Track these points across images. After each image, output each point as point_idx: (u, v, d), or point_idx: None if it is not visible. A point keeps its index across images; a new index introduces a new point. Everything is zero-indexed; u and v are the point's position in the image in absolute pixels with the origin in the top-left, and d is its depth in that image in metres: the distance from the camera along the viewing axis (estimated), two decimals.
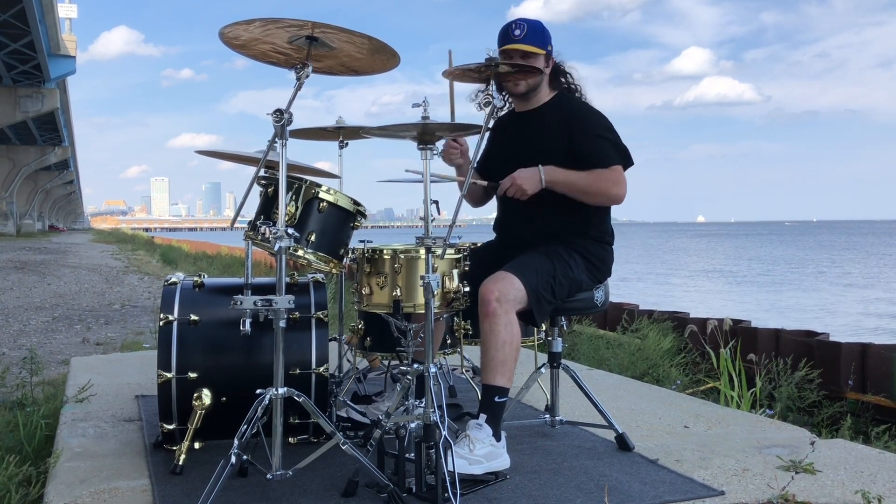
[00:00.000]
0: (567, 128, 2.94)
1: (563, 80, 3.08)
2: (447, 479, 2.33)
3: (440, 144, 2.60)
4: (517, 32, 2.96)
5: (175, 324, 2.83)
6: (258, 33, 2.47)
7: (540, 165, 2.87)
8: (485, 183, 2.99)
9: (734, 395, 4.64)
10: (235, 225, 2.68)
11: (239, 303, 2.43)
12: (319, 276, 3.09)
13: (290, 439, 2.93)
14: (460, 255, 2.76)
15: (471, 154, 2.78)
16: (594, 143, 2.91)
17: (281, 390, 2.41)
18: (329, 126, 3.56)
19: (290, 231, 2.43)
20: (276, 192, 2.53)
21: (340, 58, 2.64)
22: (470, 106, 3.01)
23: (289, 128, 2.41)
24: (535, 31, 2.98)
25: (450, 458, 2.36)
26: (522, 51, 2.95)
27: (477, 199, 3.25)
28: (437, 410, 2.44)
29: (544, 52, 2.99)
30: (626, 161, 2.94)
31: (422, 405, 2.50)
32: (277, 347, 2.40)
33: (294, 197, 2.62)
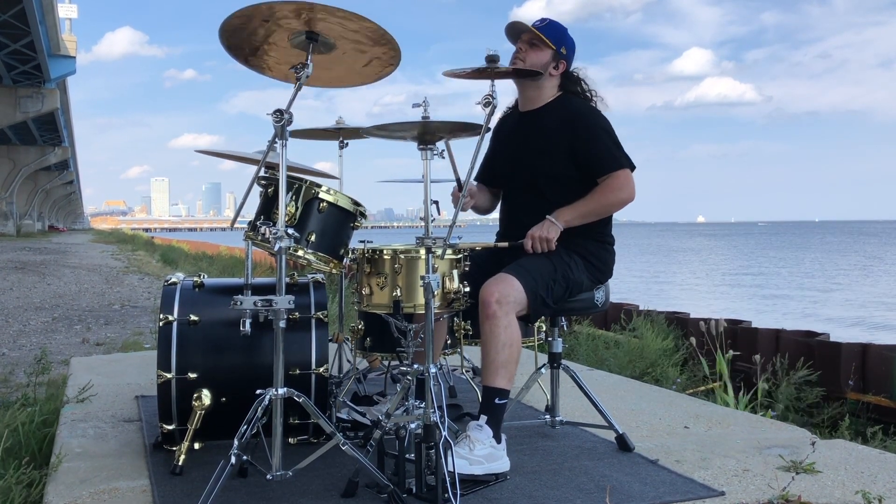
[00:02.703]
0: (569, 129, 2.93)
1: (578, 88, 3.07)
2: (447, 479, 2.33)
3: (440, 145, 2.60)
4: (537, 23, 3.01)
5: (175, 324, 2.83)
6: (259, 37, 2.47)
7: (547, 215, 2.88)
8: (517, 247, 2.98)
9: (730, 400, 4.64)
10: (235, 225, 2.68)
11: (239, 303, 2.43)
12: (319, 277, 3.09)
13: (290, 440, 2.93)
14: (460, 256, 2.76)
15: (470, 155, 2.78)
16: (599, 146, 2.91)
17: (281, 391, 2.40)
18: (329, 128, 3.57)
19: (290, 231, 2.43)
20: (276, 192, 2.53)
21: (345, 61, 2.64)
22: (469, 106, 3.01)
23: (289, 128, 2.41)
24: (554, 27, 3.01)
25: (450, 459, 2.36)
26: (532, 34, 2.97)
27: (485, 208, 3.25)
28: (437, 411, 2.43)
29: (553, 48, 2.98)
30: (631, 163, 2.94)
31: (422, 406, 2.50)
32: (277, 348, 2.40)
33: (294, 197, 2.62)
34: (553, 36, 2.98)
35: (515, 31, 3.03)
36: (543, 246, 2.85)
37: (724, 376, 4.94)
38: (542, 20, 3.02)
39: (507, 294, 2.68)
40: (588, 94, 3.07)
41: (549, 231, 2.85)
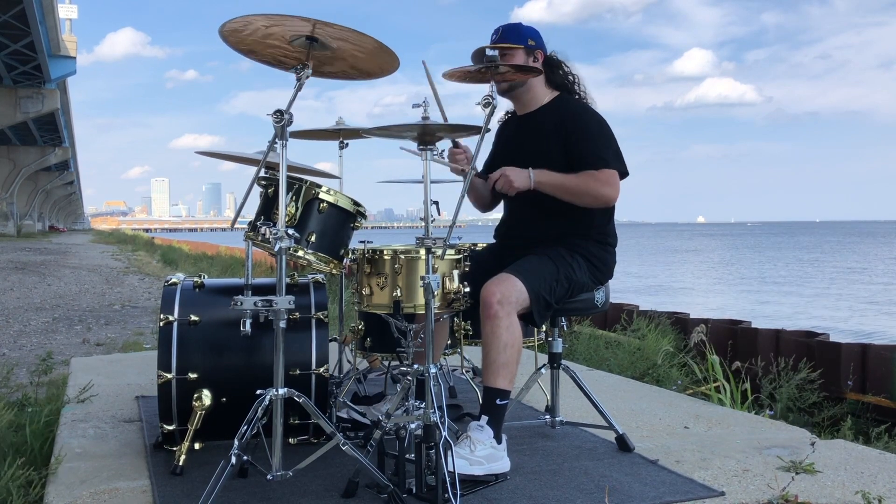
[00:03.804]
0: (563, 129, 2.94)
1: (560, 72, 3.07)
2: (447, 479, 2.33)
3: (440, 145, 2.60)
4: (493, 37, 3.03)
5: (175, 324, 2.83)
6: (259, 36, 2.47)
7: (531, 167, 2.87)
8: (484, 179, 2.99)
9: (726, 400, 4.64)
10: (236, 225, 2.68)
11: (239, 303, 2.43)
12: (319, 277, 3.09)
13: (291, 440, 2.93)
14: (460, 256, 2.76)
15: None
16: (588, 144, 2.91)
17: (281, 391, 2.41)
18: (329, 128, 3.57)
19: (291, 231, 2.43)
20: (276, 192, 2.53)
21: (346, 59, 2.64)
22: (469, 107, 3.02)
23: (289, 129, 2.41)
24: (509, 31, 3.03)
25: (450, 459, 2.36)
26: (496, 51, 2.97)
27: (485, 203, 3.25)
28: (437, 411, 2.44)
29: (521, 46, 3.00)
30: (621, 165, 2.91)
31: (422, 406, 2.50)
32: (277, 348, 2.40)
33: (294, 197, 2.62)
34: (513, 37, 3.00)
35: (481, 56, 3.01)
36: (503, 185, 2.83)
37: (719, 378, 4.94)
38: (496, 31, 3.04)
39: (508, 294, 2.68)
40: (570, 78, 3.07)
41: (518, 178, 2.83)
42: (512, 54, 2.99)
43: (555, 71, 3.07)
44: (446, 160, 2.81)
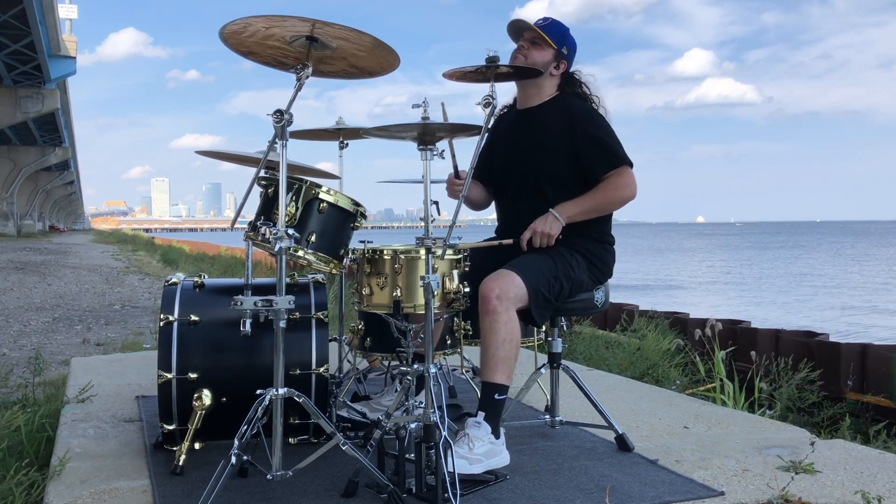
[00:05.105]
0: (569, 128, 2.93)
1: (578, 90, 3.07)
2: (447, 479, 2.34)
3: (440, 145, 2.61)
4: (540, 21, 3.03)
5: (175, 324, 2.83)
6: (259, 37, 2.48)
7: (550, 209, 2.88)
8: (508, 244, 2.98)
9: (728, 400, 4.65)
10: (236, 225, 2.68)
11: (239, 303, 2.43)
12: (319, 277, 3.09)
13: (291, 440, 2.93)
14: (460, 256, 2.76)
15: (470, 156, 2.79)
16: (602, 143, 2.92)
17: (281, 391, 2.41)
18: (329, 128, 3.57)
19: (291, 231, 2.43)
20: (276, 192, 2.53)
21: (347, 58, 2.65)
22: (469, 107, 3.02)
23: (289, 129, 2.42)
24: (556, 27, 3.02)
25: (450, 459, 2.36)
26: (534, 33, 2.98)
27: (479, 203, 3.26)
28: (437, 411, 2.44)
29: (554, 48, 3.00)
30: (630, 161, 2.94)
31: (422, 405, 2.50)
32: (277, 348, 2.40)
33: (294, 197, 2.62)
34: (555, 36, 2.99)
35: (518, 29, 3.04)
36: (544, 241, 2.86)
37: (722, 376, 4.95)
38: (545, 19, 3.04)
39: (507, 290, 2.68)
40: (590, 99, 3.07)
41: (551, 226, 2.85)
42: (541, 46, 3.00)
43: (570, 86, 3.06)
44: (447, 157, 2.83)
